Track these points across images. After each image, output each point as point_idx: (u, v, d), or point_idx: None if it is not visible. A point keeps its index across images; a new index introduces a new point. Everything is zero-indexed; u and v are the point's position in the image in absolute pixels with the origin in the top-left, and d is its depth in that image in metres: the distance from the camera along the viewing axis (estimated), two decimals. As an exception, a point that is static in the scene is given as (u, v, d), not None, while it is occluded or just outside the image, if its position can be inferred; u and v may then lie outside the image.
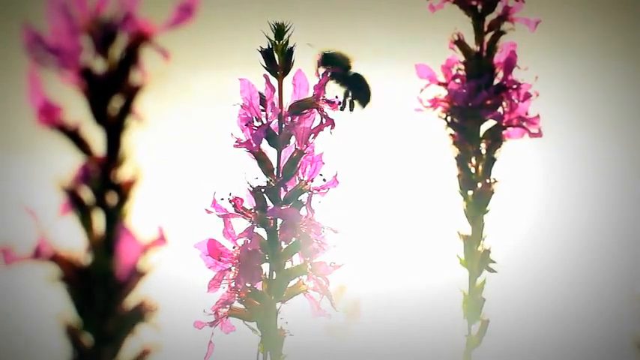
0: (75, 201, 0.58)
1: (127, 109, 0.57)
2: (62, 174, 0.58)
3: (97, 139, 0.58)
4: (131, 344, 0.60)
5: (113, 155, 0.58)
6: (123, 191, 0.58)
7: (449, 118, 1.14)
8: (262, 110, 0.99)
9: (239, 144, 0.98)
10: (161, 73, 0.57)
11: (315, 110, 0.99)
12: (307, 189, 0.97)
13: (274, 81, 0.99)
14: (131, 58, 0.57)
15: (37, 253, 0.59)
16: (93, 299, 0.59)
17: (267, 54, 1.00)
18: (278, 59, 1.00)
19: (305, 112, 0.99)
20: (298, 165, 0.98)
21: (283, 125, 0.99)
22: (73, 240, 0.59)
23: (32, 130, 0.57)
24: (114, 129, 0.57)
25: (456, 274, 1.13)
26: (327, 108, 0.98)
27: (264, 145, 0.98)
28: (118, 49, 0.57)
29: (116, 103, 0.57)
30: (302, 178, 0.98)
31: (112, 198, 0.58)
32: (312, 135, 0.99)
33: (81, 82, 0.57)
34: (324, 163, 0.98)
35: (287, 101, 0.99)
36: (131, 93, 0.57)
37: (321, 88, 0.99)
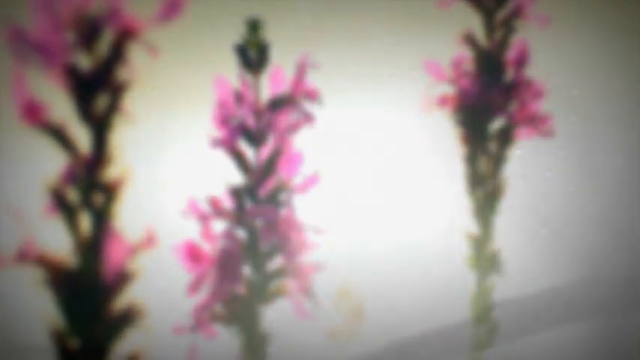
0: (60, 202, 0.59)
1: (113, 107, 0.59)
2: (47, 174, 0.59)
3: (83, 138, 0.59)
4: (119, 349, 0.61)
5: (100, 154, 0.59)
6: (110, 192, 0.59)
7: (458, 117, 1.16)
8: (238, 108, 1.00)
9: (215, 143, 1.00)
10: (149, 70, 0.58)
11: (293, 106, 1.00)
12: (287, 187, 0.99)
13: (250, 77, 1.01)
14: (118, 54, 0.58)
15: (22, 255, 0.60)
16: (80, 303, 0.60)
17: (241, 49, 1.01)
18: (253, 55, 1.01)
19: (283, 108, 1.00)
20: (277, 163, 0.99)
21: (260, 123, 1.00)
22: (58, 242, 0.60)
23: (16, 129, 0.58)
24: (100, 127, 0.59)
25: (464, 276, 1.15)
26: (306, 103, 1.00)
27: (242, 144, 1.00)
28: (104, 45, 0.58)
29: (102, 101, 0.59)
30: (282, 176, 1.00)
31: (98, 198, 0.59)
32: (291, 131, 1.00)
33: (66, 80, 0.58)
34: (304, 161, 1.00)
35: (264, 97, 1.00)
36: (118, 90, 0.58)
37: (299, 82, 1.01)
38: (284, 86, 1.01)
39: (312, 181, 1.00)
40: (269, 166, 1.00)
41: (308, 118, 1.01)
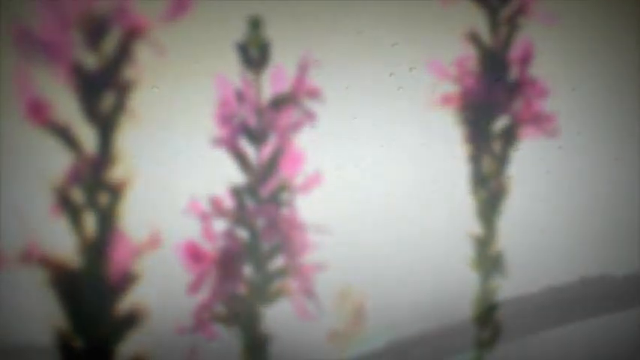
0: (65, 202, 0.59)
1: (119, 107, 0.59)
2: (52, 174, 0.59)
3: (88, 137, 0.59)
4: (123, 350, 0.61)
5: (105, 154, 0.59)
6: (115, 192, 0.60)
7: (462, 116, 1.16)
8: (240, 106, 1.00)
9: (216, 142, 1.00)
10: (155, 70, 0.59)
11: (295, 104, 1.00)
12: (289, 187, 0.99)
13: (252, 76, 1.01)
14: (124, 53, 0.58)
15: (26, 256, 0.60)
16: (84, 304, 0.60)
17: (242, 48, 1.02)
18: (255, 53, 1.01)
19: (284, 106, 1.01)
20: (279, 162, 1.00)
21: (262, 121, 1.00)
22: (63, 242, 0.60)
23: (21, 128, 0.58)
24: (106, 127, 0.59)
25: (465, 275, 1.15)
26: (308, 101, 1.00)
27: (243, 143, 1.00)
28: (111, 43, 0.58)
29: (108, 100, 0.59)
30: (283, 175, 1.00)
31: (104, 199, 0.60)
32: (293, 130, 1.00)
33: (72, 78, 0.58)
34: (306, 160, 1.00)
35: (266, 96, 1.01)
36: (124, 90, 0.59)
37: (300, 81, 1.01)
38: (285, 85, 1.01)
39: (313, 180, 1.00)
40: (270, 165, 1.00)
41: (309, 116, 1.01)
